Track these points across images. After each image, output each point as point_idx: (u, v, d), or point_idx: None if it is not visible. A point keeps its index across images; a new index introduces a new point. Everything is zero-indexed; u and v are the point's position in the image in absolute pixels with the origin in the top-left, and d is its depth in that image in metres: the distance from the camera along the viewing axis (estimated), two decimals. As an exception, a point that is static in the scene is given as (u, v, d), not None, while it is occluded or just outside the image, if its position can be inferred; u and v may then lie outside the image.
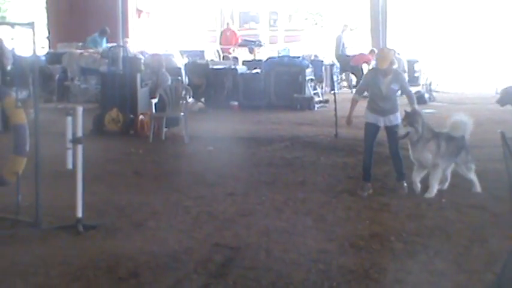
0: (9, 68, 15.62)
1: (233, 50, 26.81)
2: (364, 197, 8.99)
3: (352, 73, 24.70)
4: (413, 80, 24.98)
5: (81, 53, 21.13)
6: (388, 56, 9.31)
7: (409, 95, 9.44)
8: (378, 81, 9.27)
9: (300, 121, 16.72)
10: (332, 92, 19.78)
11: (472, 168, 9.26)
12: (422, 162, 9.14)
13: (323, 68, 22.17)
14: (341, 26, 26.29)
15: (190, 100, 14.65)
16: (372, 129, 9.37)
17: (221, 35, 28.82)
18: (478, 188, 9.21)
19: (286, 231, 7.51)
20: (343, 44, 25.11)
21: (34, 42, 7.78)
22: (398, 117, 9.31)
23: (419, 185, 9.15)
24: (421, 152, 9.10)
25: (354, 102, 9.61)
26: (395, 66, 9.35)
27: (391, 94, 9.27)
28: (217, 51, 25.57)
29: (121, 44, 21.30)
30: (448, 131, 9.26)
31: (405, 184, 9.34)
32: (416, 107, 9.34)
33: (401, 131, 9.15)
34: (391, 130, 9.33)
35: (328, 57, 24.06)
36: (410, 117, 9.12)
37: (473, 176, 9.26)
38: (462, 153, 9.23)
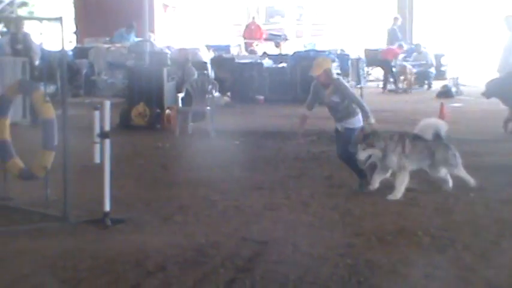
0: (37, 62, 15.76)
1: (257, 45, 26.79)
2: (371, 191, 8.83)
3: (380, 67, 24.60)
4: (440, 74, 24.88)
5: (108, 48, 21.24)
6: (321, 64, 9.00)
7: (359, 105, 8.89)
8: (320, 93, 9.06)
9: (326, 115, 16.59)
10: (358, 86, 19.75)
11: (456, 164, 8.86)
12: (389, 165, 8.77)
13: (349, 62, 22.10)
14: (392, 18, 26.16)
15: (217, 94, 14.65)
16: (336, 135, 9.24)
17: (245, 29, 28.80)
18: (472, 183, 8.85)
19: (313, 226, 7.50)
20: (398, 36, 25.07)
21: (62, 37, 7.83)
22: (353, 122, 8.92)
23: (376, 186, 8.79)
24: (389, 160, 8.70)
25: (303, 118, 9.43)
26: (333, 76, 9.02)
27: (334, 106, 8.94)
28: (240, 45, 25.57)
29: (147, 38, 21.40)
30: (421, 134, 8.92)
31: (367, 182, 8.99)
32: (372, 120, 8.76)
33: (361, 155, 8.69)
34: (343, 134, 9.01)
35: (355, 51, 23.96)
36: (368, 138, 8.67)
37: (461, 173, 8.89)
38: (439, 153, 8.81)
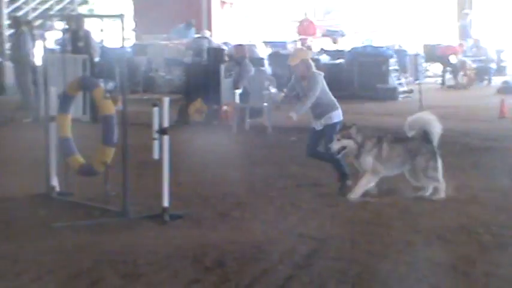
0: (96, 59, 15.97)
1: (311, 41, 26.69)
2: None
3: (439, 63, 24.34)
4: (501, 70, 24.50)
5: (166, 45, 21.41)
6: (298, 54, 8.87)
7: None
8: (298, 86, 8.93)
9: (384, 112, 16.56)
10: (416, 82, 19.56)
11: (432, 176, 8.39)
12: (361, 165, 8.51)
13: (407, 57, 21.90)
14: (462, 14, 25.91)
15: (274, 90, 14.64)
16: (310, 133, 9.07)
17: (299, 25, 28.71)
18: (441, 194, 8.35)
19: (371, 222, 7.46)
20: (469, 33, 24.85)
21: (123, 35, 7.92)
22: (332, 117, 8.76)
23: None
24: (363, 159, 8.44)
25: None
26: (311, 69, 8.84)
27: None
28: (296, 41, 25.52)
29: (205, 35, 21.53)
30: (405, 130, 8.61)
31: (349, 183, 8.81)
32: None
33: (335, 146, 8.44)
34: (326, 131, 8.81)
35: (413, 46, 23.74)
36: (345, 129, 8.46)
37: (432, 183, 8.42)
38: (420, 161, 8.41)
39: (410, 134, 8.57)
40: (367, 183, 8.43)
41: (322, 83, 8.91)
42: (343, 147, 8.46)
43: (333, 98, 8.96)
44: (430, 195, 8.42)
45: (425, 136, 8.52)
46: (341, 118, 8.86)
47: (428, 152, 8.47)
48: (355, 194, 8.40)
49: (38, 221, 7.40)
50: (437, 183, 8.42)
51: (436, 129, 8.52)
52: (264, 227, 7.30)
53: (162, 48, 21.20)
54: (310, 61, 9.02)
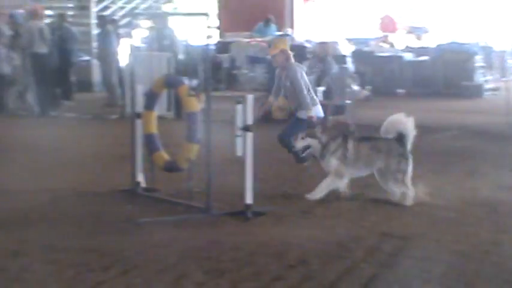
0: (180, 57, 16.16)
1: (391, 37, 26.37)
2: None
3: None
4: None
5: (249, 42, 21.49)
6: (277, 43, 8.70)
7: (300, 95, 8.63)
8: (280, 78, 8.79)
9: (469, 109, 16.30)
10: (503, 79, 19.15)
11: (402, 180, 8.03)
12: (325, 167, 8.26)
13: (493, 54, 21.47)
14: None
15: (356, 88, 14.57)
16: (293, 120, 9.11)
17: (380, 22, 28.43)
18: (408, 202, 7.98)
19: (456, 222, 7.35)
20: None
21: (208, 32, 7.99)
22: (304, 113, 8.69)
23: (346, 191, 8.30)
24: (327, 160, 8.22)
25: (265, 103, 9.45)
26: (290, 60, 8.72)
27: (288, 92, 8.67)
28: (379, 38, 25.28)
29: (287, 32, 21.54)
30: (382, 133, 8.28)
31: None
32: (311, 113, 8.52)
33: (298, 145, 8.32)
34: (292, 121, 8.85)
35: (500, 43, 23.24)
36: (311, 128, 8.30)
37: (398, 188, 8.06)
38: (389, 162, 8.09)
39: (391, 135, 8.24)
40: (328, 186, 8.21)
41: (301, 74, 8.88)
42: (308, 147, 8.34)
43: (312, 93, 8.89)
44: (400, 201, 8.07)
45: (399, 138, 8.19)
46: (319, 114, 8.88)
47: (400, 155, 8.14)
48: (314, 194, 8.18)
49: (123, 216, 7.53)
50: (406, 189, 8.09)
51: (412, 132, 8.19)
52: (347, 224, 7.27)
53: (244, 46, 21.28)
54: (289, 52, 8.96)
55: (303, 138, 8.37)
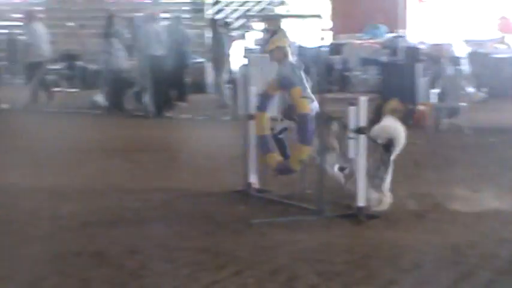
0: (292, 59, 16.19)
1: (508, 38, 25.59)
2: None
3: None
4: None
5: (361, 44, 21.39)
6: (275, 41, 8.61)
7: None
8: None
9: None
10: None
11: (378, 186, 7.76)
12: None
13: None
14: None
15: (471, 90, 14.27)
16: None
17: (499, 22, 27.68)
18: (384, 206, 7.72)
19: None
20: None
21: (322, 34, 7.99)
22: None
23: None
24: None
25: None
26: (287, 57, 8.48)
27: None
28: (496, 39, 24.63)
29: (400, 34, 21.31)
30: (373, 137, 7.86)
31: None
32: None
33: (278, 127, 8.30)
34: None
35: None
36: (290, 110, 8.13)
37: (375, 192, 7.76)
38: (371, 163, 7.68)
39: (381, 141, 7.91)
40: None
41: (295, 71, 8.69)
42: (285, 128, 8.41)
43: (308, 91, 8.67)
44: (375, 205, 7.75)
45: (386, 144, 7.89)
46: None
47: (381, 160, 7.86)
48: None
49: (237, 217, 7.63)
50: (381, 195, 7.80)
51: (402, 141, 7.89)
52: (462, 229, 7.12)
53: (357, 47, 21.19)
54: (287, 49, 8.73)
55: (281, 120, 8.51)
